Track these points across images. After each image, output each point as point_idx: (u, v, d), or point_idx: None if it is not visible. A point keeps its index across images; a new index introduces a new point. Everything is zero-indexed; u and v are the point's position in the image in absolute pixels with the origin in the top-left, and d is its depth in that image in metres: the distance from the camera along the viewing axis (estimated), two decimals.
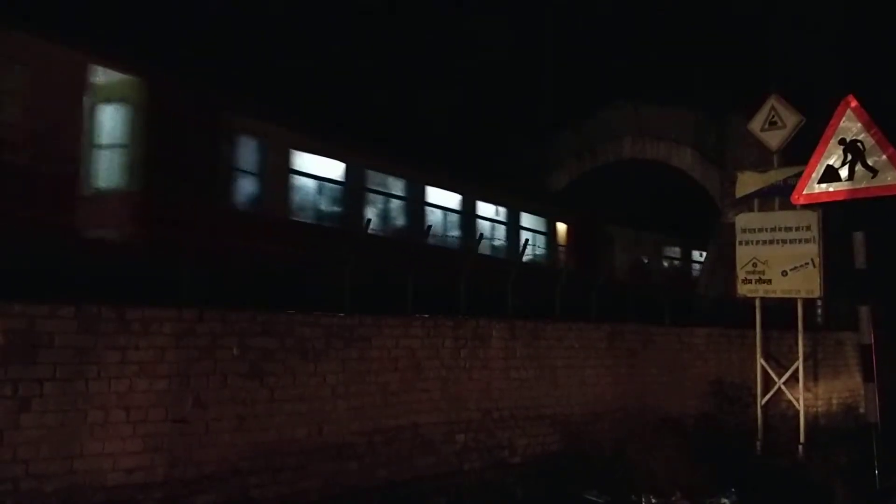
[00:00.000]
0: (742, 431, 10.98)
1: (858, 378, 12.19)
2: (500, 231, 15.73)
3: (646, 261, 20.86)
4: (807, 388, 11.13)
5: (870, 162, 7.19)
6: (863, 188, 7.23)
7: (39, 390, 5.66)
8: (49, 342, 5.73)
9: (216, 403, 6.59)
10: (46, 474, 5.64)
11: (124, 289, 6.42)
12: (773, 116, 10.94)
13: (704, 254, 24.28)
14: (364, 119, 20.30)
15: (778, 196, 10.76)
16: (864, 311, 7.37)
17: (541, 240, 16.86)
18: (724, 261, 15.96)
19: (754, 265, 10.86)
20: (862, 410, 8.33)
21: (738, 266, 11.03)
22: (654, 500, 7.84)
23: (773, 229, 10.72)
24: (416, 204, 13.80)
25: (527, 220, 16.53)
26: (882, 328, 7.74)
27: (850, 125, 7.33)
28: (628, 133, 22.20)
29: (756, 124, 11.15)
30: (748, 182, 11.13)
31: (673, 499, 7.90)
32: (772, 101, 10.98)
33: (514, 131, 24.39)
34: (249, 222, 10.53)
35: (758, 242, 10.82)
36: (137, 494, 6.07)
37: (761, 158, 12.20)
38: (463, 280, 9.12)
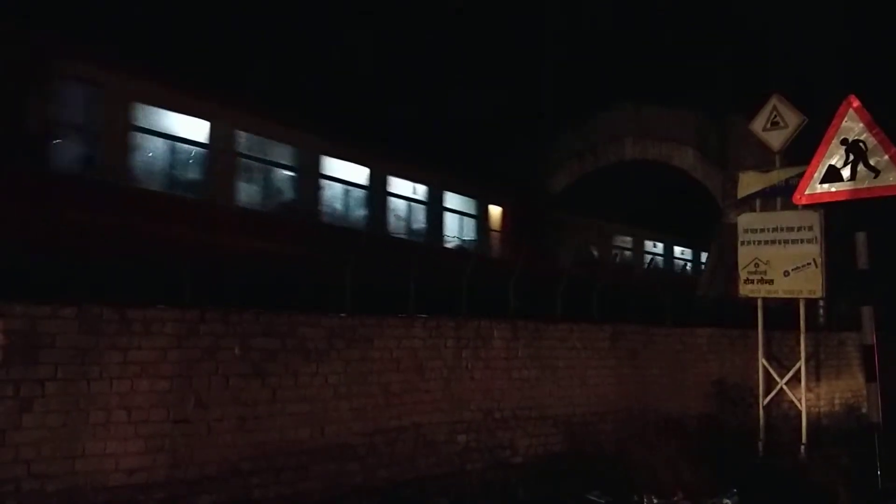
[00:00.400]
0: (744, 432, 10.96)
1: (861, 378, 12.16)
2: (419, 212, 13.87)
3: (595, 251, 19.31)
4: (809, 389, 11.11)
5: (872, 162, 7.19)
6: (865, 188, 7.24)
7: (41, 391, 5.67)
8: (51, 343, 5.74)
9: (218, 404, 6.59)
10: (48, 475, 5.65)
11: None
12: (776, 116, 10.91)
13: (660, 245, 23.33)
14: (366, 119, 20.33)
15: (780, 196, 10.75)
16: (866, 312, 7.37)
17: (470, 224, 15.14)
18: (725, 261, 15.96)
19: (756, 265, 10.84)
20: (864, 411, 8.31)
21: (740, 266, 11.02)
22: (655, 501, 7.83)
23: (774, 229, 10.70)
24: (306, 176, 11.70)
25: (452, 200, 14.67)
26: (884, 328, 7.74)
27: (852, 125, 7.33)
28: (630, 134, 22.18)
29: (758, 124, 11.13)
30: (750, 182, 11.12)
31: (675, 499, 7.89)
32: (774, 101, 10.96)
33: (516, 132, 24.37)
34: (69, 189, 8.63)
35: (760, 243, 10.81)
36: (139, 495, 6.07)
37: (763, 159, 12.18)
38: (465, 280, 9.11)
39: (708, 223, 21.25)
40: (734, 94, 20.35)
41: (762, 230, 10.81)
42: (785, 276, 10.59)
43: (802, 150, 9.13)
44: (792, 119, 10.80)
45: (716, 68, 24.04)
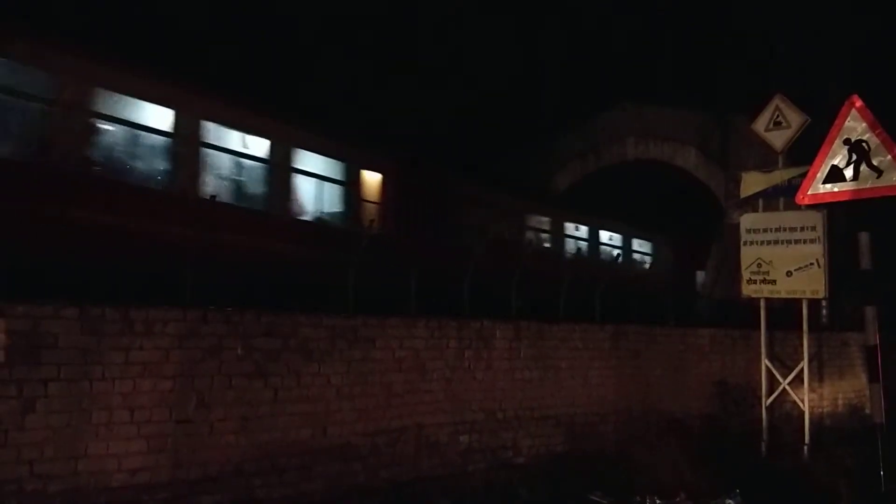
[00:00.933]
0: (747, 432, 10.96)
1: (864, 379, 12.14)
2: (256, 172, 10.66)
3: (507, 234, 15.88)
4: (812, 389, 11.10)
5: (875, 162, 7.17)
6: (868, 188, 7.22)
7: (44, 391, 5.67)
8: (53, 343, 5.74)
9: (220, 404, 6.59)
10: (51, 475, 5.65)
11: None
12: (778, 116, 10.92)
13: (586, 228, 19.07)
14: (373, 118, 20.35)
15: (782, 196, 10.75)
16: (869, 312, 7.35)
17: (335, 191, 11.99)
18: (728, 261, 15.93)
19: (759, 265, 10.84)
20: (867, 411, 8.30)
21: (743, 266, 11.02)
22: (658, 502, 7.83)
23: (777, 230, 10.70)
24: (78, 114, 8.47)
25: (307, 160, 11.27)
26: (887, 329, 7.72)
27: (854, 125, 7.32)
28: (632, 134, 22.22)
29: (760, 124, 11.13)
30: (753, 182, 11.12)
31: (677, 500, 7.89)
32: (776, 101, 10.96)
33: (519, 132, 24.36)
34: None
35: (762, 243, 10.80)
36: (142, 495, 6.07)
37: (766, 159, 12.18)
38: (467, 280, 9.10)
39: (710, 223, 21.24)
40: (737, 94, 20.29)
41: (765, 230, 10.81)
42: (788, 276, 10.59)
43: (805, 151, 9.12)
44: (794, 119, 10.80)
45: (718, 68, 24.00)
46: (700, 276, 21.68)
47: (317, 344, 7.32)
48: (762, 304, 11.15)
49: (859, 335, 10.25)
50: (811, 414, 10.79)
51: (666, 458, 8.74)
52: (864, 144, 7.25)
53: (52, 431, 5.68)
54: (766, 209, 11.09)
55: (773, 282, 10.71)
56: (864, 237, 7.31)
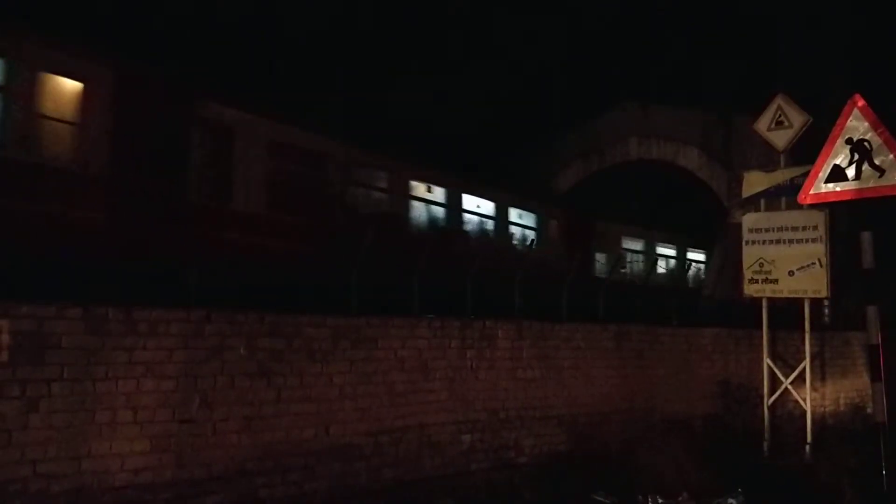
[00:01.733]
0: (749, 432, 10.95)
1: (866, 378, 12.13)
2: None
3: (323, 190, 12.00)
4: (814, 389, 11.10)
5: (877, 161, 7.16)
6: (870, 188, 7.21)
7: (47, 391, 5.69)
8: (57, 343, 5.76)
9: (223, 404, 6.61)
10: (54, 475, 5.67)
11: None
12: (780, 116, 10.92)
13: (442, 190, 14.84)
14: (378, 120, 20.36)
15: (785, 196, 10.75)
16: (871, 311, 7.34)
17: None
18: (730, 261, 15.93)
19: (761, 265, 10.84)
20: (869, 410, 8.29)
21: (745, 266, 11.03)
22: (660, 501, 7.83)
23: (779, 229, 10.70)
24: None
25: None
26: (889, 328, 7.71)
27: (857, 124, 7.30)
28: (634, 133, 22.21)
29: (762, 124, 11.13)
30: (755, 182, 11.12)
31: (680, 499, 7.89)
32: (778, 101, 10.97)
33: (521, 132, 24.36)
34: None
35: (764, 242, 10.80)
36: (145, 495, 6.09)
37: (768, 158, 12.18)
38: (469, 280, 9.10)
39: (713, 223, 21.23)
40: (740, 94, 20.31)
41: (767, 230, 10.81)
42: (790, 275, 10.59)
43: (807, 150, 9.12)
44: (796, 119, 10.80)
45: (722, 68, 24.01)
46: (599, 256, 19.28)
47: (320, 344, 7.34)
48: (764, 303, 11.14)
49: (861, 334, 10.23)
50: (813, 413, 10.78)
51: (668, 458, 8.74)
52: (866, 144, 7.23)
53: (56, 431, 5.70)
54: (768, 209, 11.08)
55: (776, 281, 10.71)
56: (866, 236, 7.30)
